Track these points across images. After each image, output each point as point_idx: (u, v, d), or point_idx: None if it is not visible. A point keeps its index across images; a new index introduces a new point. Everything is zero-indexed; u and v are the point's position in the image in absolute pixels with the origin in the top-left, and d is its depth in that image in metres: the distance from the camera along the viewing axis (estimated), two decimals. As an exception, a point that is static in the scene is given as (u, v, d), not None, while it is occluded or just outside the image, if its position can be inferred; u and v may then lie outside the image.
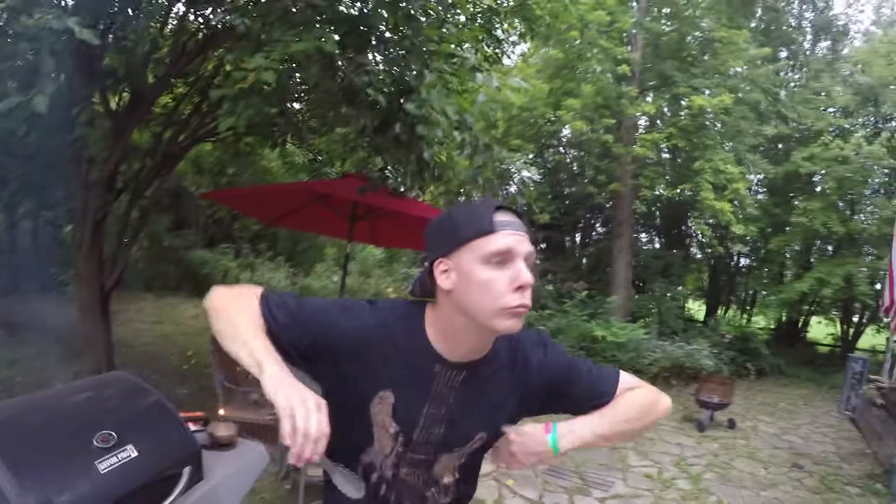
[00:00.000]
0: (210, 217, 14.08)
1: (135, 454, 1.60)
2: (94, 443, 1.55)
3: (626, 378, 1.42)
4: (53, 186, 7.31)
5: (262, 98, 3.21)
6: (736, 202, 11.14)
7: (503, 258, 1.13)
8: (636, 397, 1.39)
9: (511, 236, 1.13)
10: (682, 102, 11.93)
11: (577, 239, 17.81)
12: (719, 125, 11.94)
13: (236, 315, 1.19)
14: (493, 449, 1.38)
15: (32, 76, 2.86)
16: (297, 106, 5.82)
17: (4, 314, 7.87)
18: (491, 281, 1.12)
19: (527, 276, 1.12)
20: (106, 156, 4.78)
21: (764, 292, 15.63)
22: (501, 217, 1.15)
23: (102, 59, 4.57)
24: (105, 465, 1.52)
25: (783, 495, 5.29)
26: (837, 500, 5.28)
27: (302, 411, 1.00)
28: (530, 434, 1.29)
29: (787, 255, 15.08)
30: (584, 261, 16.31)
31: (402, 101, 3.65)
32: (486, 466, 4.50)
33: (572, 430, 1.31)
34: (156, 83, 5.08)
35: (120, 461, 1.55)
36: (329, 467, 1.23)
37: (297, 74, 3.91)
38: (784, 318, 15.81)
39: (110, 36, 4.28)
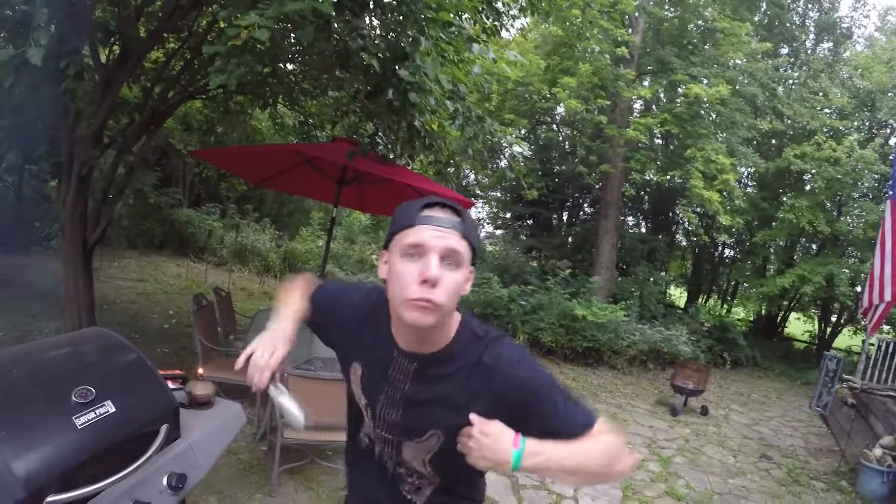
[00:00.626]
0: (197, 176, 14.00)
1: (112, 410, 1.60)
2: (73, 398, 1.55)
3: (601, 423, 1.27)
4: (39, 140, 7.19)
5: (254, 57, 3.14)
6: (724, 193, 11.18)
7: (416, 251, 1.15)
8: (609, 444, 1.24)
9: (429, 231, 1.15)
10: (679, 89, 11.91)
11: (564, 217, 17.86)
12: (714, 115, 11.96)
13: (296, 286, 1.54)
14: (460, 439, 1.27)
15: (23, 26, 2.78)
16: (289, 67, 5.73)
17: (-15, 269, 7.78)
18: (402, 272, 1.15)
19: (431, 271, 1.11)
20: (93, 110, 4.67)
21: (745, 284, 15.80)
22: (429, 213, 1.17)
23: (94, 11, 4.46)
24: (83, 419, 1.51)
25: (750, 484, 5.39)
26: (803, 492, 5.38)
27: (259, 345, 1.28)
28: (495, 438, 1.17)
29: (772, 250, 15.24)
30: (570, 239, 16.39)
31: (395, 67, 3.60)
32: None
33: (539, 453, 1.16)
34: (147, 37, 4.98)
35: (98, 416, 1.55)
36: (276, 394, 1.30)
37: (292, 35, 3.85)
38: (763, 312, 16.07)
39: (104, -14, 4.17)
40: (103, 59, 5.01)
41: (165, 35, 5.45)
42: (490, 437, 1.17)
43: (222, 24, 3.60)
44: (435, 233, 1.14)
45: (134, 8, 4.89)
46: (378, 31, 4.01)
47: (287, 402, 1.28)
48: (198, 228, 12.61)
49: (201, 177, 14.17)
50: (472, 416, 1.21)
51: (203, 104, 8.65)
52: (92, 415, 1.54)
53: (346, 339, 1.43)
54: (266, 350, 1.27)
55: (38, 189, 10.14)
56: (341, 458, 4.27)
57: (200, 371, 2.27)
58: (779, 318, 16.50)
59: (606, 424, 1.28)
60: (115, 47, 5.08)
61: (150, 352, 1.81)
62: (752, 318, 16.32)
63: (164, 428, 1.72)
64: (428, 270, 1.11)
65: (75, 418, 1.50)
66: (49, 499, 1.37)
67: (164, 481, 1.67)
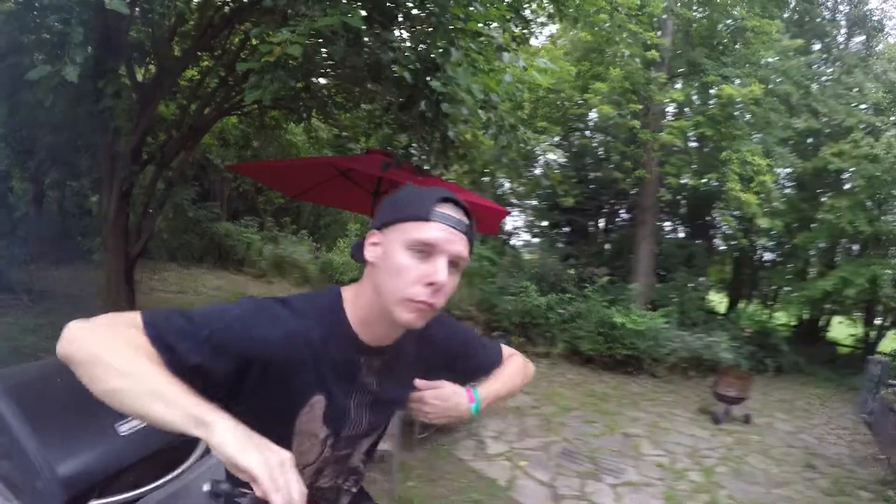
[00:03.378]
0: (235, 189, 14.28)
1: (156, 417, 1.62)
2: (118, 407, 1.57)
3: (505, 349, 1.56)
4: (79, 157, 7.42)
5: (287, 72, 3.20)
6: (762, 195, 10.95)
7: (426, 249, 1.08)
8: (516, 364, 1.53)
9: (443, 231, 1.08)
10: (712, 91, 11.69)
11: (601, 224, 17.65)
12: (748, 116, 11.70)
13: (123, 358, 0.92)
14: (409, 405, 1.36)
15: (60, 47, 2.88)
16: (322, 81, 5.82)
17: (30, 282, 8.03)
18: (406, 267, 1.08)
19: (441, 276, 1.07)
20: (132, 127, 4.82)
21: (787, 288, 15.38)
22: (444, 209, 1.10)
23: (129, 32, 4.60)
24: (126, 427, 1.55)
25: (795, 494, 5.22)
26: (848, 503, 5.20)
27: (280, 475, 0.86)
28: (452, 398, 1.32)
29: (812, 252, 14.78)
30: (607, 246, 16.18)
31: (427, 78, 3.62)
32: (499, 447, 4.55)
33: (487, 397, 1.38)
34: (182, 56, 5.12)
35: (140, 424, 1.58)
36: None
37: (323, 49, 3.91)
38: (805, 316, 15.62)
39: (137, 9, 4.30)
40: (140, 78, 5.17)
41: (199, 54, 5.58)
42: (448, 399, 1.31)
43: (255, 42, 3.68)
44: (449, 235, 1.08)
45: (168, 28, 5.03)
46: (408, 44, 4.05)
47: None
48: (236, 241, 12.84)
49: (239, 191, 14.45)
50: (418, 382, 1.31)
51: (239, 120, 8.80)
52: (135, 422, 1.58)
53: (291, 377, 1.13)
54: (288, 479, 0.87)
55: (80, 204, 10.45)
56: (380, 468, 4.28)
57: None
58: (821, 322, 16.04)
59: (507, 348, 1.56)
60: (151, 66, 5.24)
61: None
62: (794, 323, 15.89)
63: (205, 436, 1.74)
64: (437, 275, 1.07)
65: (118, 426, 1.54)
66: (91, 503, 1.40)
67: (206, 488, 1.69)
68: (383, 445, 3.73)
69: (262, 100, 3.11)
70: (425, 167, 5.02)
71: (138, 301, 5.75)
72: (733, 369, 8.21)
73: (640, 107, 11.09)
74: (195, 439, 1.70)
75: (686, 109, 13.18)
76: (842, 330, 16.77)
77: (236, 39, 5.72)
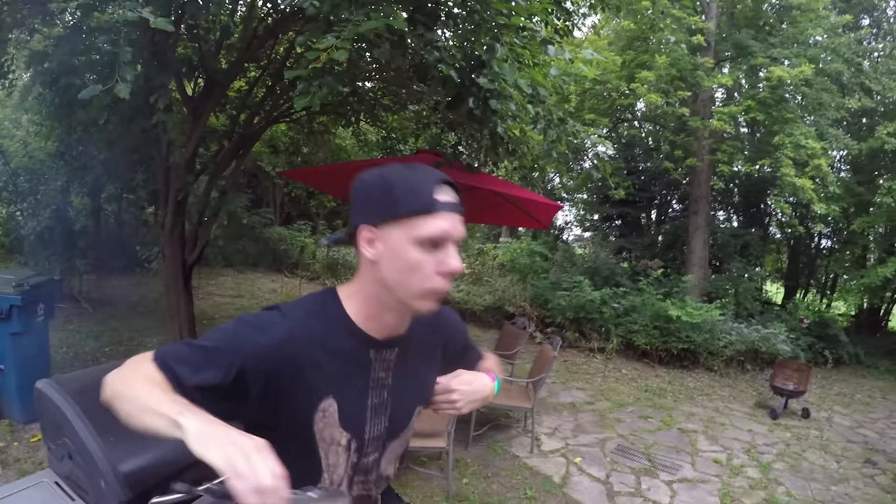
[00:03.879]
0: (287, 195, 14.58)
1: (217, 415, 1.66)
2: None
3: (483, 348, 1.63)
4: (134, 171, 7.69)
5: (334, 77, 3.24)
6: (817, 179, 10.53)
7: (436, 242, 1.07)
8: (495, 359, 1.60)
9: (449, 220, 1.08)
10: (760, 74, 11.33)
11: (653, 216, 17.36)
12: (799, 98, 11.28)
13: (134, 388, 1.00)
14: (434, 400, 1.38)
15: (110, 67, 2.98)
16: (368, 85, 5.87)
17: (92, 291, 8.35)
18: (420, 263, 1.07)
19: (455, 264, 1.09)
20: (184, 140, 4.97)
21: (845, 276, 14.81)
22: (443, 196, 1.09)
23: (176, 49, 4.73)
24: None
25: (854, 491, 5.05)
26: None
27: (244, 463, 0.86)
28: (476, 382, 1.38)
29: (871, 238, 14.21)
30: (660, 238, 15.87)
31: (473, 75, 3.61)
32: (554, 443, 4.53)
33: (497, 378, 1.48)
34: (229, 68, 5.23)
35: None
36: (301, 500, 1.00)
37: (368, 53, 3.94)
38: (865, 305, 15.02)
39: (182, 25, 4.41)
40: (189, 91, 5.32)
41: (246, 65, 5.69)
42: (474, 383, 1.37)
43: (300, 50, 3.73)
44: (452, 222, 1.09)
45: (214, 42, 5.15)
46: (452, 42, 4.05)
47: (316, 498, 1.01)
48: (290, 245, 13.11)
49: (291, 196, 14.73)
50: (440, 379, 1.35)
51: (287, 127, 8.97)
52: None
53: (295, 385, 1.11)
54: (254, 465, 0.86)
55: (137, 215, 10.81)
56: (436, 464, 4.31)
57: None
58: (882, 311, 15.39)
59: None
60: (200, 80, 5.37)
61: None
62: (853, 313, 15.25)
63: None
64: (453, 263, 1.09)
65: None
66: (154, 500, 1.43)
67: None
68: (439, 443, 3.76)
69: (311, 106, 3.15)
70: (475, 165, 5.02)
71: (196, 306, 5.92)
72: (791, 362, 7.97)
73: (689, 94, 10.81)
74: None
75: (735, 94, 12.84)
76: (904, 319, 16.12)
77: (281, 49, 5.82)
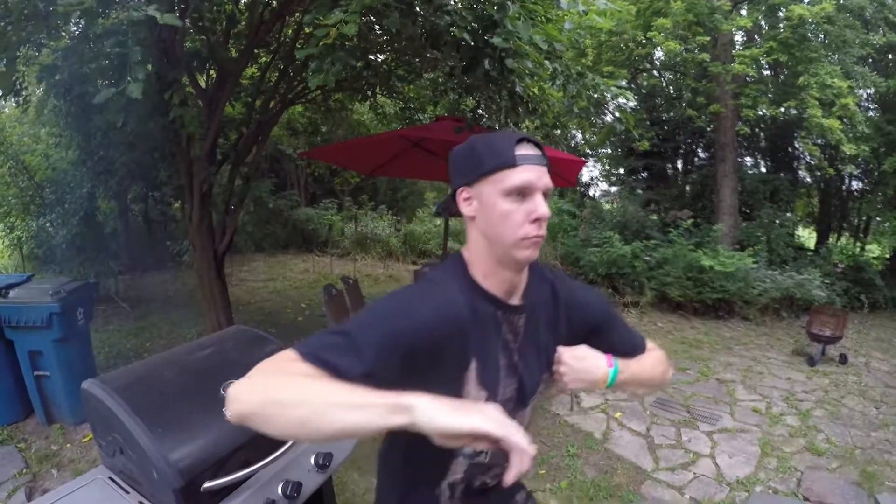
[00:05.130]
0: (310, 175, 14.70)
1: (264, 400, 1.69)
2: (221, 391, 1.67)
3: (649, 342, 1.50)
4: (157, 168, 7.78)
5: (346, 52, 3.21)
6: (845, 119, 10.23)
7: (522, 192, 1.16)
8: (658, 356, 1.48)
9: (531, 171, 1.16)
10: (780, 13, 10.95)
11: (679, 166, 17.05)
12: (822, 36, 10.90)
13: (299, 390, 0.93)
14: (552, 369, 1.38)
15: (121, 69, 2.99)
16: (381, 57, 5.82)
17: (128, 290, 8.52)
18: (510, 213, 1.16)
19: (543, 210, 1.16)
20: (203, 132, 4.98)
21: (878, 218, 14.44)
22: (523, 150, 1.17)
23: (184, 43, 4.73)
24: (232, 410, 1.61)
25: (894, 437, 4.97)
26: None
27: (506, 424, 0.90)
28: (589, 360, 1.31)
29: (904, 178, 13.79)
30: (688, 188, 15.60)
31: (486, 36, 3.56)
32: (593, 400, 4.54)
33: (625, 370, 1.33)
34: (239, 56, 5.22)
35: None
36: None
37: (378, 25, 3.89)
38: (900, 248, 14.62)
39: (187, 20, 4.41)
40: (203, 84, 5.33)
41: (256, 51, 5.68)
42: (585, 360, 1.30)
43: (308, 30, 3.70)
44: (536, 172, 1.16)
45: (221, 32, 5.14)
46: (462, 5, 3.97)
47: None
48: (318, 224, 13.26)
49: (314, 176, 14.83)
50: (559, 348, 1.31)
51: (304, 108, 8.98)
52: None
53: (449, 354, 1.16)
54: (512, 429, 0.91)
55: (164, 212, 10.99)
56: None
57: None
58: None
59: (650, 342, 1.51)
60: (212, 72, 5.37)
61: (287, 343, 1.96)
62: (888, 255, 14.87)
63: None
64: (540, 209, 1.16)
65: (225, 410, 1.61)
66: (206, 485, 1.48)
67: (312, 460, 1.76)
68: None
69: (326, 83, 3.13)
70: (496, 127, 4.96)
71: (231, 294, 6.00)
72: (827, 307, 7.81)
73: (707, 39, 10.51)
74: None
75: (756, 36, 12.45)
76: (940, 260, 15.66)
77: (290, 31, 5.79)
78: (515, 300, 1.28)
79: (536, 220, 1.16)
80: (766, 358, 7.15)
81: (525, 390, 1.33)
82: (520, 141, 1.18)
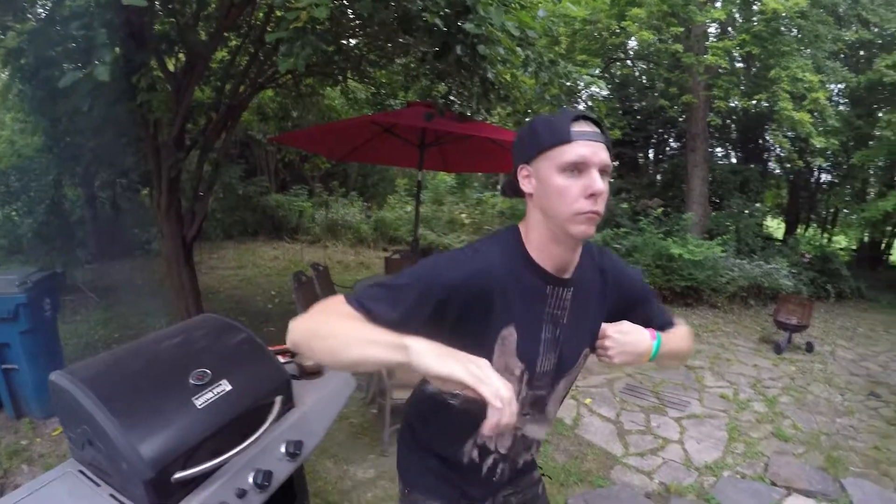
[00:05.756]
0: (280, 161, 14.53)
1: (229, 388, 1.68)
2: (191, 381, 1.64)
3: (675, 318, 1.56)
4: (125, 154, 7.62)
5: (317, 36, 3.16)
6: (815, 113, 10.43)
7: (577, 167, 1.17)
8: (685, 330, 1.53)
9: (586, 146, 1.17)
10: (754, 7, 11.11)
11: (651, 155, 17.28)
12: (795, 30, 11.08)
13: (336, 325, 1.11)
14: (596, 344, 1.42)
15: (87, 53, 2.91)
16: (353, 41, 5.75)
17: (96, 279, 8.36)
18: (566, 188, 1.17)
19: (598, 185, 1.16)
20: (171, 117, 4.89)
21: (845, 210, 14.82)
22: (579, 127, 1.18)
23: (153, 26, 4.62)
24: (202, 400, 1.60)
25: (858, 423, 5.14)
26: None
27: (485, 374, 0.96)
28: (634, 334, 1.33)
29: (871, 172, 14.16)
30: (659, 177, 15.83)
31: (459, 22, 3.53)
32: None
33: (667, 342, 1.37)
34: (209, 39, 5.11)
35: (216, 395, 1.64)
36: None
37: (350, 9, 3.84)
38: (866, 239, 15.07)
39: (157, 2, 4.31)
40: (172, 67, 5.20)
41: (226, 34, 5.57)
42: (630, 334, 1.32)
43: (279, 13, 3.64)
44: (591, 149, 1.17)
45: (191, 14, 5.02)
46: (434, -11, 3.93)
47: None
48: (288, 211, 13.11)
49: (284, 162, 14.64)
50: (604, 325, 1.35)
51: (274, 93, 8.83)
52: (210, 394, 1.63)
53: (484, 314, 1.23)
54: (493, 379, 0.97)
55: (132, 199, 10.76)
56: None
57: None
58: (883, 245, 15.41)
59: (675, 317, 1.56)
60: (181, 55, 5.25)
61: (258, 331, 1.95)
62: (854, 247, 15.29)
63: (278, 399, 1.79)
64: (595, 184, 1.16)
65: (195, 399, 1.59)
66: (176, 476, 1.45)
67: (283, 449, 1.75)
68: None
69: (296, 67, 3.09)
70: (468, 113, 4.95)
71: (200, 282, 5.91)
72: (794, 296, 8.01)
73: (681, 30, 10.62)
74: (270, 404, 1.75)
75: (729, 29, 12.59)
76: (905, 253, 16.15)
77: (261, 14, 5.68)
78: (565, 275, 1.32)
79: (592, 196, 1.17)
80: (734, 345, 7.28)
81: (565, 364, 1.39)
82: (577, 118, 1.19)
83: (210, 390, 1.63)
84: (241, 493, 1.56)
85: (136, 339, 1.97)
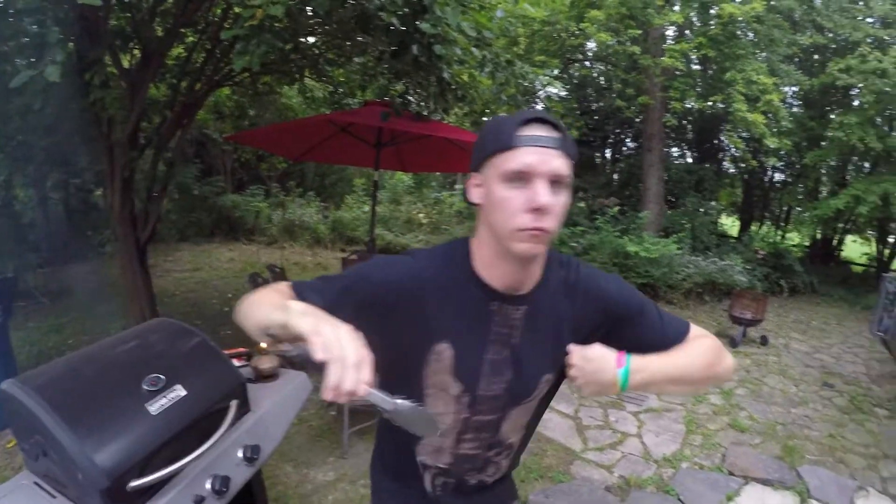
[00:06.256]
0: (237, 161, 14.31)
1: (183, 393, 1.66)
2: (144, 387, 1.62)
3: (696, 329, 1.30)
4: (77, 153, 7.40)
5: (273, 34, 3.12)
6: (769, 114, 10.69)
7: (521, 176, 1.02)
8: (703, 346, 1.25)
9: (533, 154, 1.02)
10: (712, 11, 11.33)
11: (608, 155, 17.54)
12: (751, 34, 11.35)
13: (264, 295, 1.11)
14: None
15: (40, 49, 2.82)
16: (311, 40, 5.70)
17: (49, 284, 8.12)
18: (506, 200, 1.04)
19: (541, 199, 1.00)
20: (125, 115, 4.77)
21: (798, 208, 15.26)
22: (529, 131, 1.03)
23: (108, 21, 4.50)
24: (156, 406, 1.58)
25: (813, 413, 5.32)
26: (866, 420, 5.26)
27: (331, 334, 0.87)
28: (598, 361, 1.12)
29: (823, 171, 14.60)
30: (615, 177, 16.09)
31: (416, 21, 3.52)
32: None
33: (644, 369, 1.13)
34: (165, 36, 5.00)
35: (170, 401, 1.61)
36: (382, 401, 0.93)
37: (308, 7, 3.80)
38: (818, 236, 15.53)
39: (112, -2, 4.20)
40: (126, 64, 5.07)
41: (182, 30, 5.46)
42: (593, 361, 1.12)
43: (237, 10, 3.59)
44: (539, 156, 1.02)
45: (147, 10, 4.91)
46: (393, -12, 3.93)
47: (403, 409, 0.94)
48: (245, 211, 12.88)
49: (241, 161, 14.43)
50: (570, 347, 1.16)
51: (231, 91, 8.70)
52: (164, 400, 1.60)
53: (411, 323, 1.14)
54: (342, 339, 0.88)
55: (85, 199, 10.45)
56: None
57: (263, 346, 2.32)
58: (835, 241, 15.94)
59: (699, 329, 1.30)
60: (136, 51, 5.13)
61: (213, 335, 1.91)
62: (807, 244, 15.74)
63: (234, 404, 1.78)
64: (537, 198, 1.00)
65: (148, 405, 1.56)
66: (132, 484, 1.43)
67: (240, 454, 1.74)
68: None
69: (252, 65, 3.06)
70: (425, 113, 4.95)
71: (155, 285, 5.79)
72: (748, 292, 8.24)
73: (639, 32, 10.77)
74: (225, 408, 1.73)
75: (686, 31, 12.85)
76: (855, 249, 16.79)
77: (218, 10, 5.58)
78: (515, 288, 1.16)
79: (535, 210, 1.01)
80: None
81: (519, 390, 1.23)
82: (528, 121, 1.04)
83: (164, 396, 1.61)
84: (199, 500, 1.55)
85: (89, 345, 1.93)
